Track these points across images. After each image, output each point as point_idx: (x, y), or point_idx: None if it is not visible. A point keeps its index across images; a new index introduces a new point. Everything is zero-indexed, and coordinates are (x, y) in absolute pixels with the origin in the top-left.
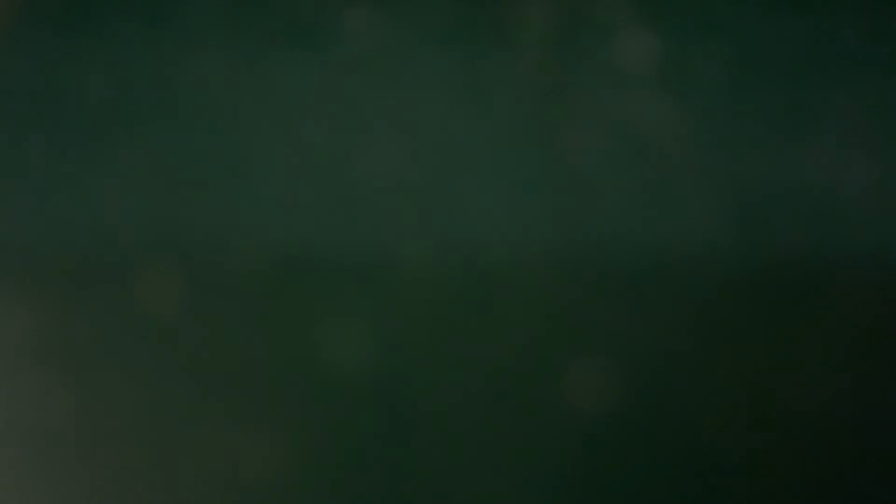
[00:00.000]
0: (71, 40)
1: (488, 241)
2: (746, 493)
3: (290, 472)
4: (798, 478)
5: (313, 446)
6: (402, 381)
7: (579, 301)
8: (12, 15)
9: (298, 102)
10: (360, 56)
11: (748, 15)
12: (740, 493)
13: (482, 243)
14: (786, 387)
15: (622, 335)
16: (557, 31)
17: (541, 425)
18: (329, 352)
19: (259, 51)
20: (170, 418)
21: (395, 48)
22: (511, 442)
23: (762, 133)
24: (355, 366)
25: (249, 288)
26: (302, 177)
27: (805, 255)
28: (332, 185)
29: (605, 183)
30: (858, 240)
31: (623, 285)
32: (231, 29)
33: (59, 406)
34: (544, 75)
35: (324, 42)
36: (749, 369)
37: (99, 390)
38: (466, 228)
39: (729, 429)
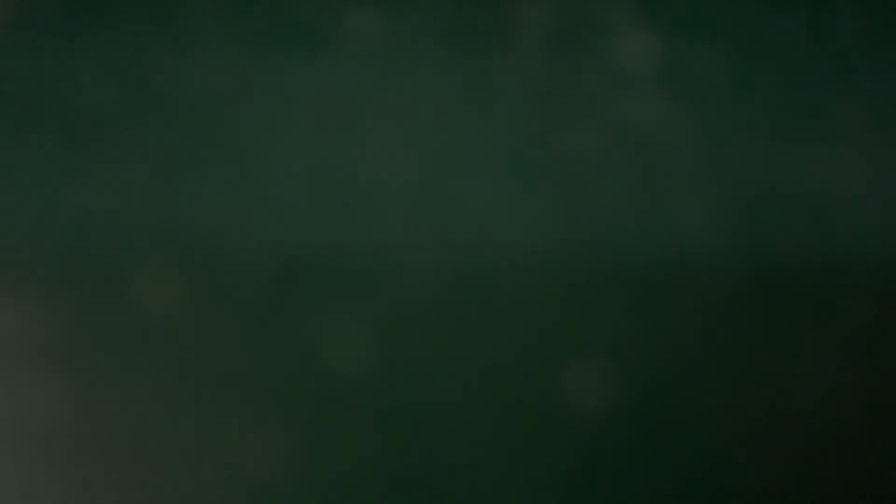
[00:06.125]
0: (71, 40)
1: (488, 241)
2: (746, 493)
3: (290, 472)
4: (798, 477)
5: (313, 446)
6: (402, 381)
7: (579, 301)
8: (12, 14)
9: (298, 102)
10: (360, 56)
11: (748, 15)
12: (740, 493)
13: (482, 243)
14: (786, 387)
15: (622, 335)
16: (557, 32)
17: (540, 425)
18: (329, 352)
19: (259, 51)
20: (170, 418)
21: (395, 48)
22: (511, 442)
23: (762, 133)
24: (355, 365)
25: (249, 288)
26: (302, 176)
27: (805, 255)
28: (332, 185)
29: (605, 183)
30: (858, 240)
31: (623, 285)
32: (231, 29)
33: (59, 406)
34: (544, 75)
35: (324, 42)
36: (749, 369)
37: (99, 390)
38: (466, 228)
39: (729, 428)
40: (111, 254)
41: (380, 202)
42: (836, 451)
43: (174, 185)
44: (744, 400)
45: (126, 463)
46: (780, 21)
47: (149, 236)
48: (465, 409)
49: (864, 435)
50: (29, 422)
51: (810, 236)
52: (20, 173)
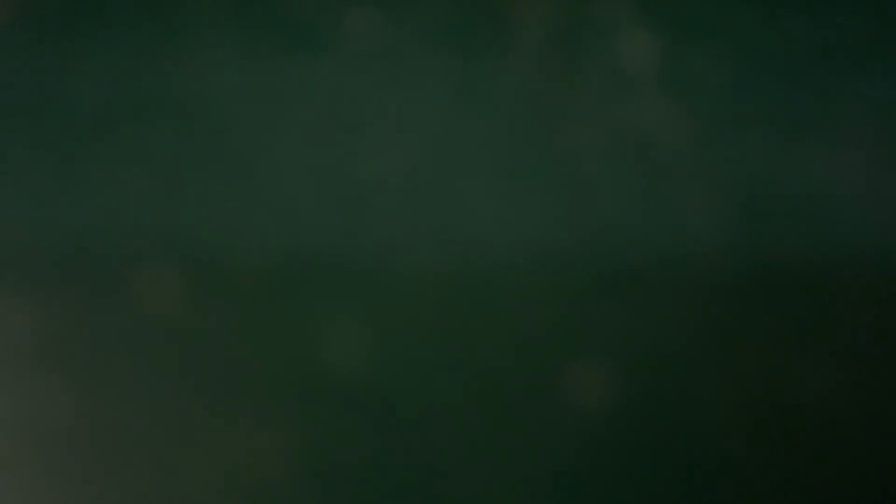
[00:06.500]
0: (71, 40)
1: (488, 241)
2: (746, 492)
3: (291, 472)
4: (798, 477)
5: (313, 446)
6: (402, 381)
7: (579, 301)
8: (11, 15)
9: (299, 102)
10: (360, 56)
11: (748, 15)
12: (740, 492)
13: (482, 243)
14: (786, 386)
15: (622, 335)
16: (557, 32)
17: (540, 425)
18: (329, 352)
19: (259, 51)
20: (170, 418)
21: (395, 48)
22: (511, 442)
23: (762, 133)
24: (355, 365)
25: (249, 288)
26: (302, 176)
27: (805, 255)
28: (332, 185)
29: (605, 183)
30: (858, 240)
31: (623, 285)
32: (231, 29)
33: (59, 406)
34: (544, 75)
35: (324, 42)
36: (749, 369)
37: (99, 390)
38: (467, 228)
39: (728, 428)
40: (111, 254)
41: (380, 202)
42: (837, 451)
43: (174, 185)
44: (744, 399)
45: (126, 462)
46: (780, 21)
47: (149, 236)
48: (465, 408)
49: (864, 434)
50: (29, 422)
51: (810, 236)
52: (20, 173)
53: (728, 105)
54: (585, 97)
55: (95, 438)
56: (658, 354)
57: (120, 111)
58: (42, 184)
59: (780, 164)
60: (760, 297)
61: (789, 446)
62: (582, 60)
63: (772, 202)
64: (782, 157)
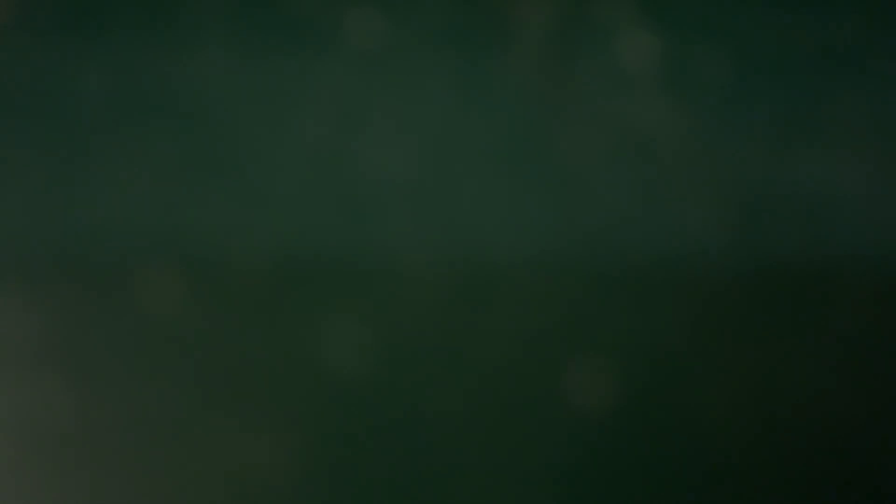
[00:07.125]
0: (71, 40)
1: (488, 240)
2: (746, 492)
3: (290, 472)
4: (797, 477)
5: (313, 446)
6: (402, 381)
7: (579, 301)
8: (11, 14)
9: (298, 102)
10: (360, 56)
11: (748, 15)
12: (740, 492)
13: (482, 243)
14: (785, 386)
15: (622, 335)
16: (557, 31)
17: (541, 425)
18: (329, 352)
19: (259, 50)
20: (170, 418)
21: (395, 48)
22: (511, 441)
23: (762, 133)
24: (355, 365)
25: (249, 287)
26: (302, 176)
27: (805, 256)
28: (332, 185)
29: (604, 183)
30: (858, 240)
31: (623, 285)
32: (231, 28)
33: (59, 406)
34: (544, 75)
35: (324, 42)
36: (749, 369)
37: (99, 390)
38: (466, 228)
39: (728, 428)
40: (112, 254)
41: (380, 202)
42: (837, 451)
43: (174, 186)
44: (743, 399)
45: (126, 463)
46: (780, 21)
47: (149, 236)
48: (466, 408)
49: (864, 434)
50: (29, 422)
51: (810, 236)
52: (21, 174)
53: (728, 105)
54: (585, 97)
55: (95, 438)
56: (658, 354)
57: (120, 111)
58: (42, 184)
59: (780, 165)
60: (760, 297)
61: (789, 446)
62: (582, 60)
63: (772, 202)
64: (782, 157)
